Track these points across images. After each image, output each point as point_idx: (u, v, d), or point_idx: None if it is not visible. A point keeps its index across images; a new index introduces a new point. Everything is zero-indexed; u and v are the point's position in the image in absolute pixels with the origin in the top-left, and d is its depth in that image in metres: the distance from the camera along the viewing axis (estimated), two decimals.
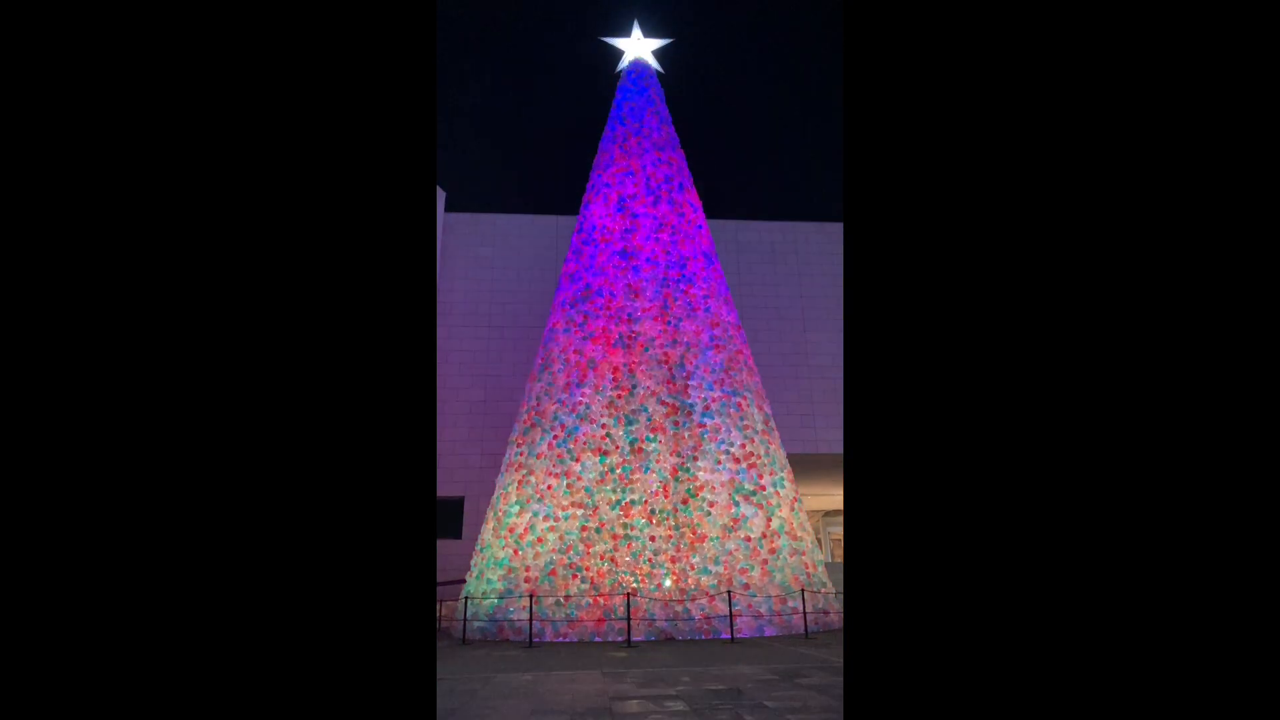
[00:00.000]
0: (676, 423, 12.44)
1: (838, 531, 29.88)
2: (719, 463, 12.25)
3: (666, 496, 11.74)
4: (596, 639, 10.73)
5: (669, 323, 13.52)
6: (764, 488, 12.38)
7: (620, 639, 10.54)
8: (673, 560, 11.24)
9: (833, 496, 25.74)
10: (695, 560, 11.28)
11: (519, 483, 12.75)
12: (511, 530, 12.29)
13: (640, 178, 15.45)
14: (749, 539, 11.67)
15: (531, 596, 10.90)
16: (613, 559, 11.24)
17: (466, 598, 12.30)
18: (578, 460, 12.19)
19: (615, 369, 12.95)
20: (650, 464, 11.99)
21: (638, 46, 18.37)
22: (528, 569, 11.62)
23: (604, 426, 12.38)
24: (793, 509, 12.79)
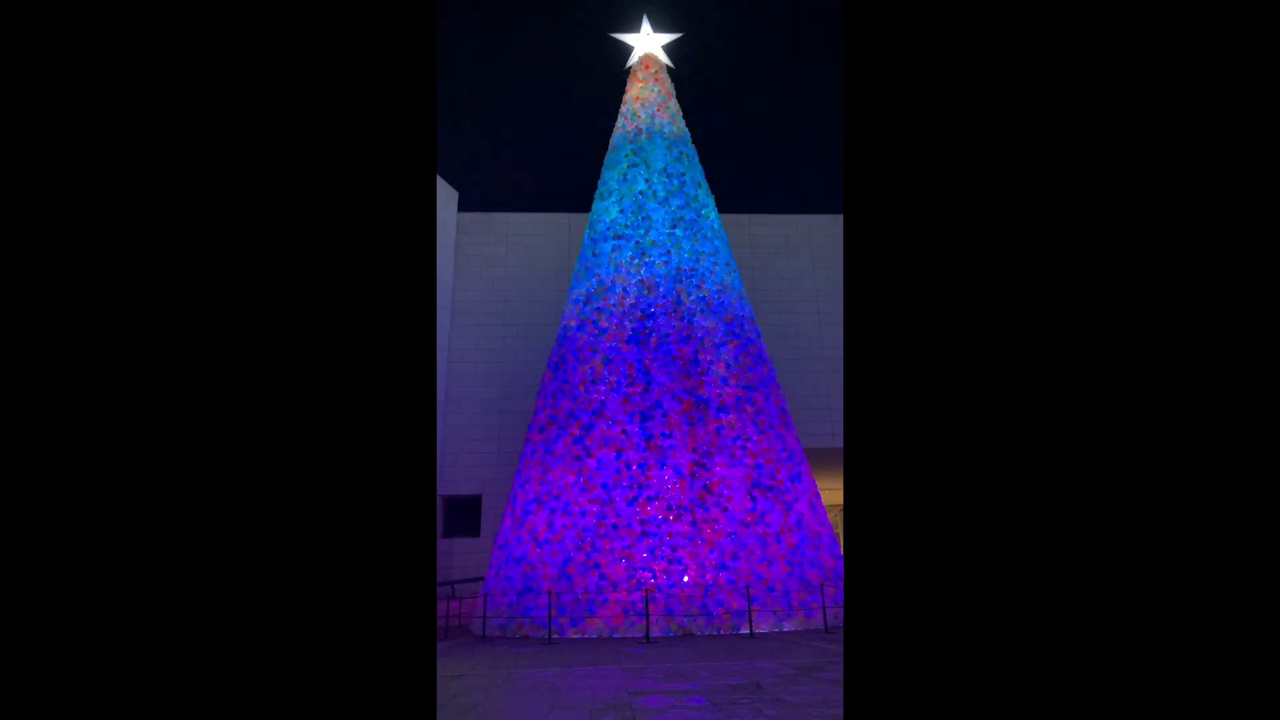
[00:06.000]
0: (692, 418, 12.42)
1: None
2: (735, 458, 12.21)
3: (683, 492, 11.73)
4: (615, 635, 10.75)
5: (683, 318, 13.50)
6: (781, 482, 12.33)
7: (639, 635, 10.56)
8: (691, 556, 11.23)
9: None
10: (713, 556, 11.26)
11: (536, 480, 12.80)
12: (529, 528, 12.34)
13: (652, 173, 15.42)
14: (767, 534, 11.63)
15: (550, 593, 10.94)
16: (630, 555, 11.25)
17: (486, 595, 12.38)
18: (594, 457, 12.21)
19: (630, 365, 12.95)
20: (667, 460, 11.98)
21: (647, 42, 18.31)
22: (546, 566, 11.68)
23: (620, 423, 12.39)
24: (810, 503, 12.73)
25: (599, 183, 16.39)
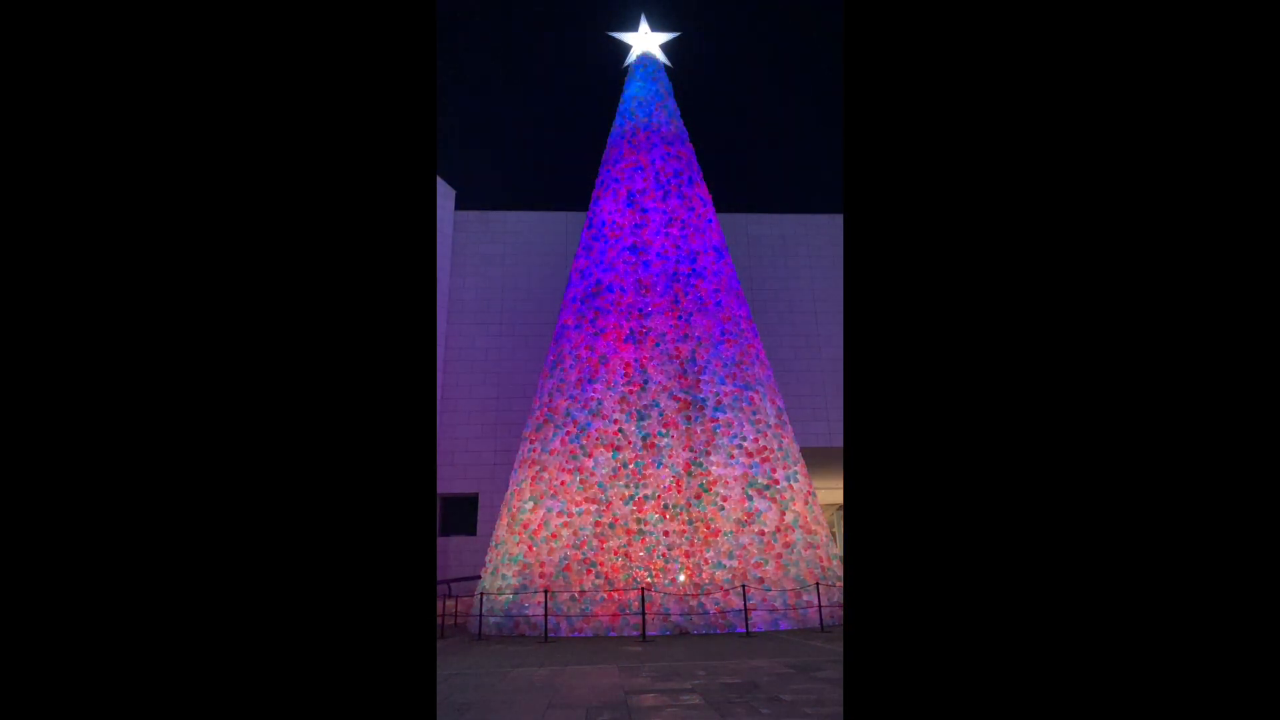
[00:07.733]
0: (689, 417, 12.43)
1: None
2: (732, 457, 12.23)
3: (679, 491, 11.74)
4: (611, 634, 10.76)
5: (680, 317, 13.50)
6: (777, 481, 12.35)
7: (635, 634, 10.56)
8: (687, 555, 11.24)
9: None
10: (709, 555, 11.28)
11: (532, 479, 12.79)
12: (526, 526, 12.34)
13: (649, 172, 15.41)
14: (763, 533, 11.65)
15: (546, 592, 10.94)
16: (627, 554, 11.26)
17: (482, 594, 12.38)
18: (590, 456, 12.21)
19: (627, 364, 12.95)
20: (663, 459, 11.99)
21: (645, 41, 18.30)
22: (542, 565, 11.67)
23: (616, 422, 12.38)
24: (806, 502, 12.76)
25: (596, 181, 16.37)
